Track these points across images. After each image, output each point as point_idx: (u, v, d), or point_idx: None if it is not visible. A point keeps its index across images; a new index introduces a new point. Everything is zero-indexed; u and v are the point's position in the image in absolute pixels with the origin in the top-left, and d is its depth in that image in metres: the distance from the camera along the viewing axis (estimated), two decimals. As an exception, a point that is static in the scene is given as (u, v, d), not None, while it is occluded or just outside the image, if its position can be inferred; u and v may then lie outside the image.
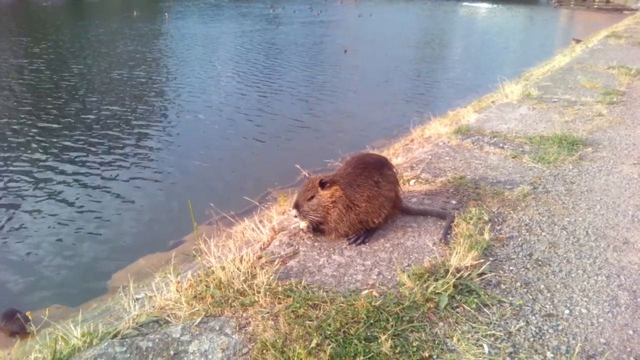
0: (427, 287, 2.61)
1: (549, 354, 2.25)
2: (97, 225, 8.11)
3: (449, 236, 3.22)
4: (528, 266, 2.95)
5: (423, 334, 2.33)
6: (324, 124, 13.33)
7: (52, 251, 7.40)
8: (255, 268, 2.79)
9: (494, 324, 2.43)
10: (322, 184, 3.06)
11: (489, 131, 5.62)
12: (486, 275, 2.78)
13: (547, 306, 2.59)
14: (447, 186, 4.03)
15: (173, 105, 14.83)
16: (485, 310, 2.52)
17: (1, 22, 31.14)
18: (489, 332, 2.36)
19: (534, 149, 5.01)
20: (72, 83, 16.77)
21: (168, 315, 2.48)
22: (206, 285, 2.67)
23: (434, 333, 2.35)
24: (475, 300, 2.56)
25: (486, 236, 3.16)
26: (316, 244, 3.16)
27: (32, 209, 8.50)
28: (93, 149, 11.10)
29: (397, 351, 2.19)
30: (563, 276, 2.86)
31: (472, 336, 2.33)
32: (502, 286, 2.74)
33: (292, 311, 2.43)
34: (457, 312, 2.49)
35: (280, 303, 2.50)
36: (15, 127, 12.41)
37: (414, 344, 2.25)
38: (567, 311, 2.56)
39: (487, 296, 2.61)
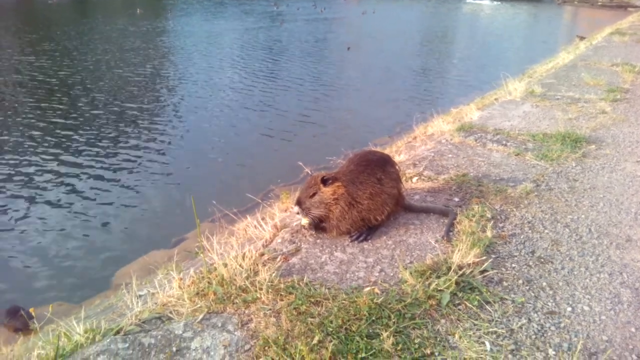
0: (429, 284, 2.61)
1: (551, 352, 2.25)
2: (100, 222, 8.15)
3: (451, 233, 3.22)
4: (530, 263, 2.94)
5: (425, 331, 2.33)
6: (326, 121, 13.32)
7: (55, 248, 7.44)
8: (257, 265, 2.80)
9: (496, 321, 2.43)
10: (325, 181, 3.06)
11: (492, 128, 5.60)
12: (488, 273, 2.77)
13: (550, 304, 2.58)
14: (449, 183, 4.02)
15: (176, 102, 14.86)
16: (487, 307, 2.52)
17: (7, 20, 31.22)
18: (490, 330, 2.36)
19: (537, 147, 4.99)
20: (78, 79, 16.83)
21: (170, 312, 2.49)
22: (208, 282, 2.68)
23: (436, 330, 2.35)
24: (477, 297, 2.56)
25: (488, 233, 3.16)
26: (318, 241, 3.16)
27: (35, 207, 8.54)
28: (95, 147, 11.12)
29: (398, 348, 2.19)
30: (565, 274, 2.86)
31: (474, 333, 2.33)
32: (504, 283, 2.73)
33: (294, 308, 2.43)
34: (459, 310, 2.49)
35: (282, 300, 2.51)
36: (20, 123, 12.47)
37: (416, 341, 2.25)
38: (569, 308, 2.55)
39: (489, 293, 2.61)
